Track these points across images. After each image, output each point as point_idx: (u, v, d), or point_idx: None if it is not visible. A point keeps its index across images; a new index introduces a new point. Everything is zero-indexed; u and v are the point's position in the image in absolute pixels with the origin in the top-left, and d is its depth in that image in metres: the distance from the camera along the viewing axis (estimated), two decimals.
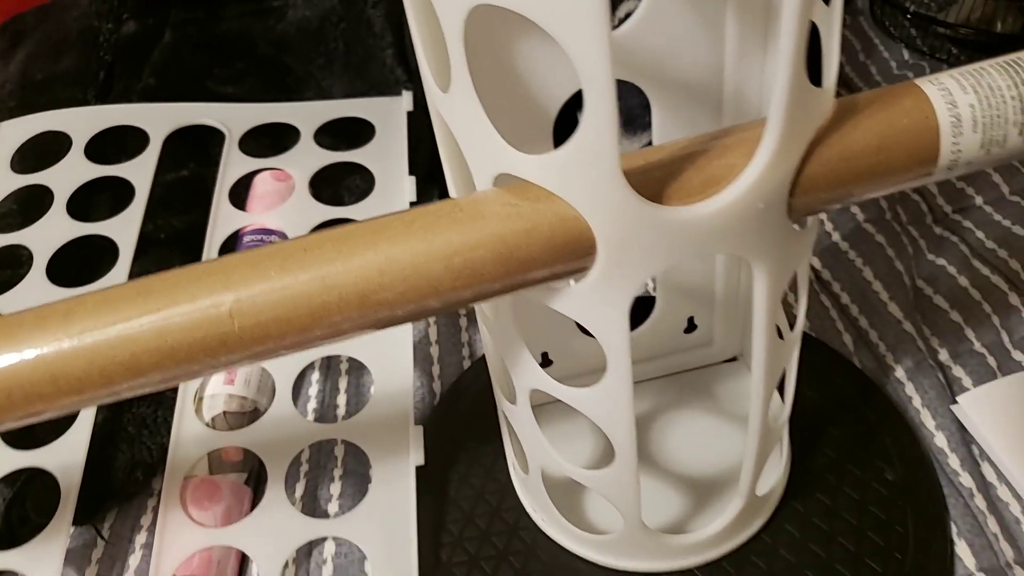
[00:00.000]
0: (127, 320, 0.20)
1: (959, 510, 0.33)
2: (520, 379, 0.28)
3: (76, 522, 0.35)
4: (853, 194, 0.22)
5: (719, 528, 0.31)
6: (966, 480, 0.34)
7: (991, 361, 0.38)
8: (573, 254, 0.21)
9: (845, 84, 0.57)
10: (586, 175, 0.20)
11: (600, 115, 0.18)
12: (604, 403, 0.25)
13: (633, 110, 0.49)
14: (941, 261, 0.43)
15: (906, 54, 0.58)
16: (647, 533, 0.30)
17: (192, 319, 0.21)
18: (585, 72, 0.18)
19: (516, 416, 0.31)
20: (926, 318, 0.41)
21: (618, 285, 0.22)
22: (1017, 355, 0.38)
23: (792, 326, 0.29)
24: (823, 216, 0.47)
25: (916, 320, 0.40)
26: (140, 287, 0.21)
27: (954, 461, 0.35)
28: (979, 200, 0.47)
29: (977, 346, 0.39)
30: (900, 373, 0.38)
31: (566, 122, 0.44)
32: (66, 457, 0.36)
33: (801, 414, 0.36)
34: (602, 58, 0.17)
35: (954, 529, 0.33)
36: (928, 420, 0.36)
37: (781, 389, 0.32)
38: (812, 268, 0.44)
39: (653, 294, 0.37)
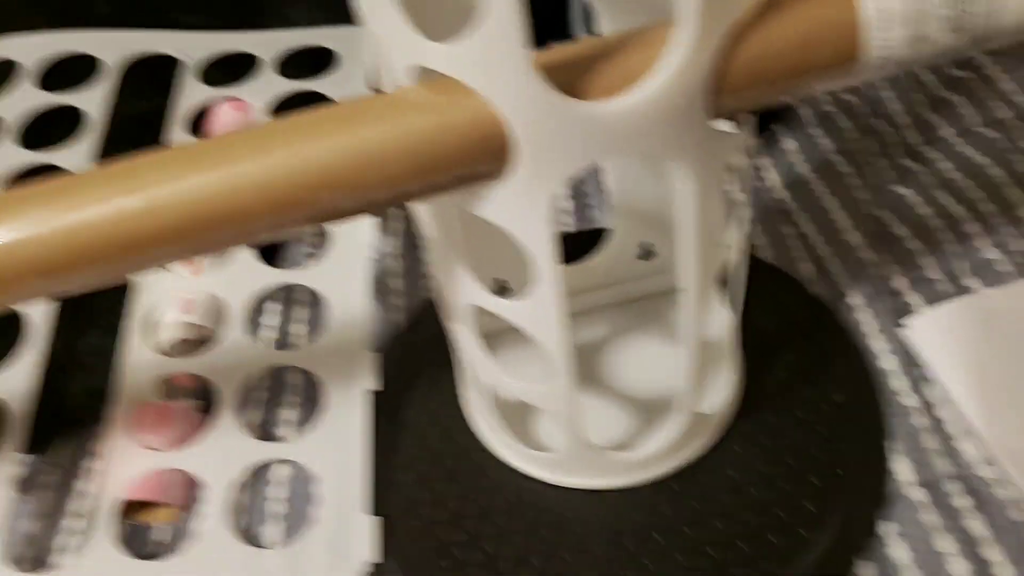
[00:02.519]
0: (31, 223, 0.20)
1: (901, 429, 0.33)
2: (459, 295, 0.28)
3: (27, 450, 0.36)
4: (778, 91, 0.21)
5: (663, 444, 0.31)
6: (910, 400, 0.34)
7: (945, 287, 0.38)
8: (490, 151, 0.21)
9: None
10: (496, 65, 0.19)
11: None
12: (535, 313, 0.25)
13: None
14: (905, 191, 0.43)
15: None
16: (591, 449, 0.31)
17: (101, 219, 0.20)
18: None
19: (460, 334, 0.31)
20: (885, 246, 0.41)
21: (538, 185, 0.22)
22: (971, 281, 0.38)
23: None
24: (791, 147, 0.46)
25: (874, 248, 0.40)
26: (55, 188, 0.21)
27: (900, 382, 0.35)
28: (947, 131, 0.46)
29: (933, 273, 0.39)
30: (855, 299, 0.38)
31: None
32: (18, 384, 0.36)
33: (755, 340, 0.36)
34: None
35: (895, 446, 0.33)
36: (878, 344, 0.36)
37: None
38: (776, 198, 0.44)
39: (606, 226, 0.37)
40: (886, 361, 0.36)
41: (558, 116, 0.20)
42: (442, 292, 0.31)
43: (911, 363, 0.35)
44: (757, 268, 0.40)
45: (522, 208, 0.22)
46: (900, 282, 0.39)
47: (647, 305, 0.39)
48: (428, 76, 0.21)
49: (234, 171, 0.21)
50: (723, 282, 0.33)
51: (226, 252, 0.22)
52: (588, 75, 0.20)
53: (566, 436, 0.30)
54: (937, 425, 0.33)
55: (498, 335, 0.36)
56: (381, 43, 0.21)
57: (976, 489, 0.31)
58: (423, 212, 0.27)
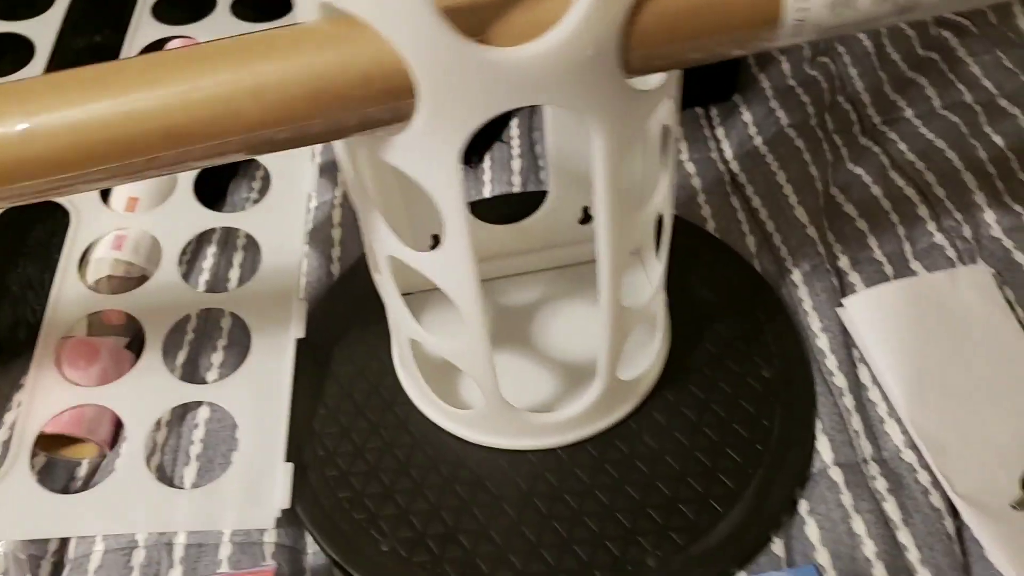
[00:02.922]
0: None
1: (827, 408, 0.33)
2: (378, 245, 0.28)
3: None
4: (693, 49, 0.21)
5: (580, 410, 0.31)
6: (839, 380, 0.34)
7: (888, 269, 0.38)
8: (392, 94, 0.20)
9: None
10: (396, 5, 0.18)
11: None
12: (445, 265, 0.25)
13: None
14: (859, 170, 0.43)
15: None
16: (508, 409, 0.30)
17: None
18: None
19: (382, 286, 0.30)
20: (833, 225, 0.40)
21: (444, 132, 0.21)
22: (915, 264, 0.38)
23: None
24: (749, 119, 0.46)
25: (821, 225, 0.40)
26: None
27: (832, 362, 0.35)
28: (909, 112, 0.45)
29: (878, 254, 0.39)
30: (797, 276, 0.38)
31: None
32: None
33: (690, 310, 0.36)
34: None
35: (819, 425, 0.33)
36: (814, 322, 0.36)
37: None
38: (729, 170, 0.44)
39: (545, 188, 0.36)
40: (820, 340, 0.36)
41: (461, 60, 0.19)
42: (368, 244, 0.31)
43: (846, 343, 0.35)
44: (699, 238, 0.40)
45: (428, 154, 0.22)
46: (844, 261, 0.39)
47: (585, 271, 0.38)
48: (336, 15, 0.20)
49: (125, 101, 0.20)
50: (654, 248, 0.33)
51: (125, 181, 0.21)
52: (496, 20, 0.20)
53: (482, 394, 0.30)
54: (864, 407, 0.33)
55: (431, 292, 0.36)
56: None
57: (895, 472, 0.31)
58: (344, 161, 0.26)
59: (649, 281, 0.37)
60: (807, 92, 0.47)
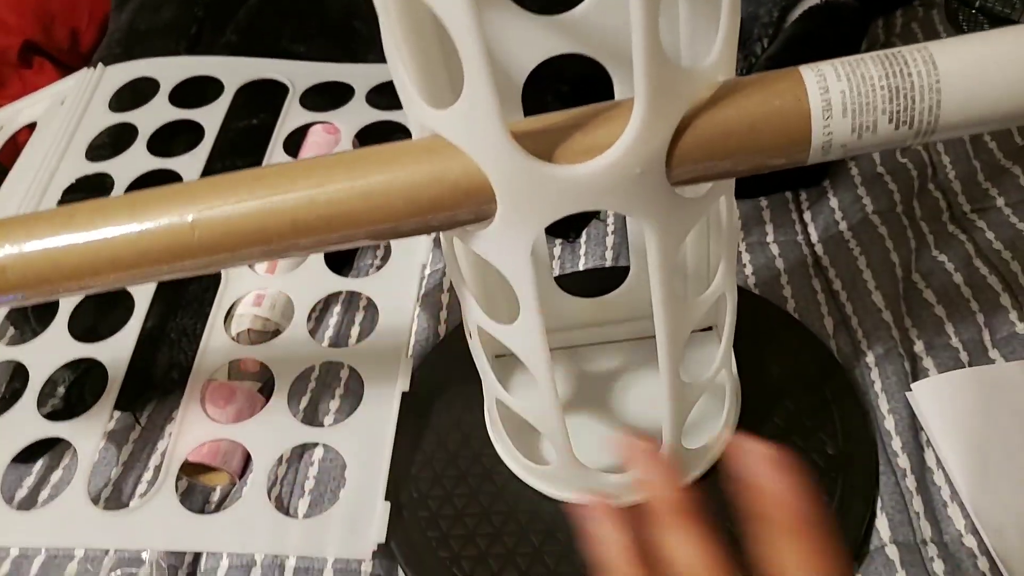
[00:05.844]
0: (113, 226, 0.26)
1: (889, 488, 0.34)
2: (468, 315, 0.32)
3: (118, 407, 0.42)
4: (729, 167, 0.24)
5: None
6: (903, 461, 0.35)
7: (964, 356, 0.39)
8: (475, 200, 0.25)
9: None
10: (477, 132, 0.23)
11: (476, 80, 0.21)
12: (520, 338, 0.29)
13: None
14: (942, 258, 0.44)
15: None
16: (579, 467, 0.34)
17: (160, 230, 0.25)
18: (457, 40, 0.21)
19: (474, 350, 0.35)
20: (911, 310, 0.41)
21: (518, 229, 0.25)
22: (993, 353, 0.39)
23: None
24: (835, 204, 0.48)
25: (898, 310, 0.41)
26: (125, 201, 0.26)
27: (897, 443, 0.36)
28: (1000, 201, 0.46)
29: (954, 341, 0.40)
30: (870, 358, 0.39)
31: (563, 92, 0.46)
32: (117, 353, 0.43)
33: (761, 386, 0.38)
34: (470, 28, 0.21)
35: (879, 503, 0.34)
36: (883, 403, 0.37)
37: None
38: (813, 253, 0.46)
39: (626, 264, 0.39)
40: (888, 421, 0.37)
41: (532, 176, 0.24)
42: (462, 311, 0.35)
43: (913, 426, 0.36)
44: (778, 318, 0.42)
45: (505, 247, 0.26)
46: (919, 346, 0.40)
47: None
48: (434, 135, 0.25)
49: (269, 200, 0.25)
50: (718, 329, 0.35)
51: (266, 259, 0.27)
52: (559, 142, 0.24)
53: (556, 452, 0.33)
54: (927, 489, 0.34)
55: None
56: (402, 98, 0.26)
57: (954, 556, 0.32)
58: (444, 245, 0.31)
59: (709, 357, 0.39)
60: (895, 180, 0.48)
